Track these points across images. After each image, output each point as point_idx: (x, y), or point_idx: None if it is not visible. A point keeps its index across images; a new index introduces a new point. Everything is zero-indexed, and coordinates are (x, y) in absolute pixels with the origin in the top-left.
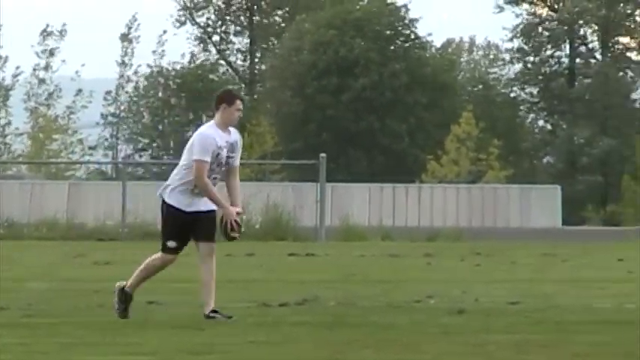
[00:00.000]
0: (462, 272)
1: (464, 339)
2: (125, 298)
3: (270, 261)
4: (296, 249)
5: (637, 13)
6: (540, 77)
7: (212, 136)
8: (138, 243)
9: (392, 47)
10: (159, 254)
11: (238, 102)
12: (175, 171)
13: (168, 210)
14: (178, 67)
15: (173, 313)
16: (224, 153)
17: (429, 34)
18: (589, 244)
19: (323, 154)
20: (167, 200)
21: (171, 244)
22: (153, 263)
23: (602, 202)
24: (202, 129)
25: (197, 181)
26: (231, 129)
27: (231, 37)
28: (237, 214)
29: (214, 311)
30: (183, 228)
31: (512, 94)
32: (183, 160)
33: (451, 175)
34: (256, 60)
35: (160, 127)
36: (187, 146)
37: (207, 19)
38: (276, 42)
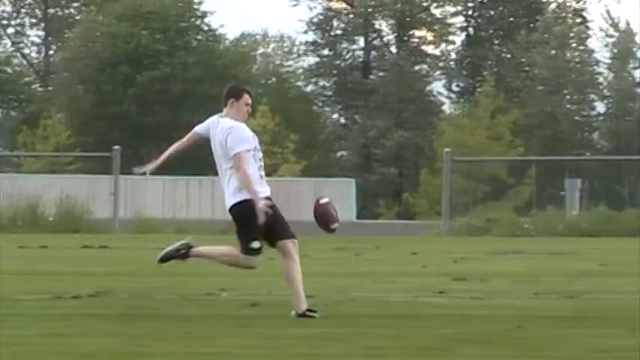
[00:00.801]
0: None
1: (257, 332)
2: (183, 255)
3: (63, 253)
4: (90, 241)
5: (433, 6)
6: (335, 71)
7: (242, 126)
8: None
9: (184, 39)
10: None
11: (246, 96)
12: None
13: (245, 207)
14: None
15: None
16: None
17: (221, 26)
18: (383, 237)
19: (117, 147)
20: (241, 198)
21: (255, 244)
22: (236, 258)
23: (396, 195)
24: (230, 122)
25: (237, 171)
26: None
27: (27, 30)
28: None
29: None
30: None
31: (307, 88)
32: (228, 163)
33: None
34: (51, 52)
35: None
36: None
37: (2, 11)
38: (70, 34)
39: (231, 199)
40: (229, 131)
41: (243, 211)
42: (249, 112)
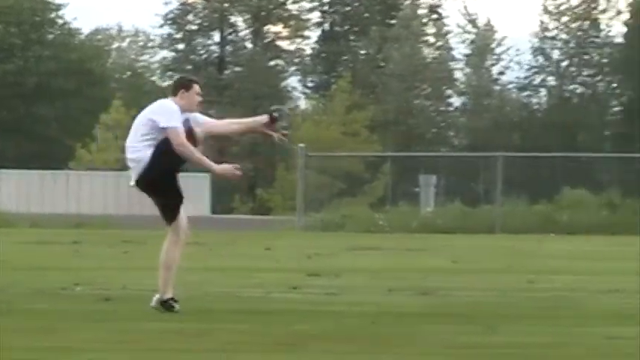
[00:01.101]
0: (110, 260)
1: (111, 326)
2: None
3: None
4: None
5: (289, 2)
6: (190, 66)
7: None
8: None
9: (38, 33)
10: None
11: (196, 86)
12: (139, 146)
13: (161, 176)
14: None
15: None
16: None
17: (74, 19)
18: (238, 232)
19: None
20: (158, 168)
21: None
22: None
23: (251, 190)
24: (162, 101)
25: (180, 148)
26: None
27: None
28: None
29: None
30: None
31: (162, 83)
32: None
33: (100, 162)
34: None
35: None
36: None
37: None
38: None
39: (147, 167)
40: (160, 106)
41: (162, 179)
42: (199, 101)
